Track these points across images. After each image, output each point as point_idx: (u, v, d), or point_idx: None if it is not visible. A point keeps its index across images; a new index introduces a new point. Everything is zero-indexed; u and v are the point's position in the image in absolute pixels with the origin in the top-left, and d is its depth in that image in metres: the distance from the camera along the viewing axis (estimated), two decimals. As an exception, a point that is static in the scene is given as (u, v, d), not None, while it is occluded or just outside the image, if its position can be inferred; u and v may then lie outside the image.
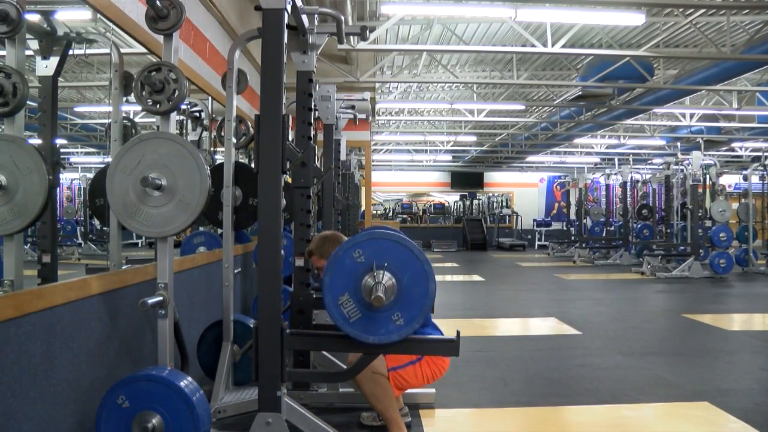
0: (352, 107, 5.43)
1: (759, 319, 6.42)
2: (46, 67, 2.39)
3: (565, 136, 15.44)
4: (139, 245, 4.04)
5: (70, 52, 2.49)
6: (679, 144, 15.54)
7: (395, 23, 7.18)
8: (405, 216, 21.84)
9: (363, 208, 10.64)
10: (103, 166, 2.95)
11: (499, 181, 23.23)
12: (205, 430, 2.11)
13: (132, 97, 2.44)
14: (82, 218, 3.89)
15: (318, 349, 3.29)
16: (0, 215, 2.11)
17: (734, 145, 16.24)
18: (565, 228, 17.58)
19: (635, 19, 6.62)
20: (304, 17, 2.77)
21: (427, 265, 2.23)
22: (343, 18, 3.03)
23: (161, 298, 2.26)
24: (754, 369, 4.18)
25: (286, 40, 2.24)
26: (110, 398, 2.06)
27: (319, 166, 5.30)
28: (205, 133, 4.48)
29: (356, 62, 8.66)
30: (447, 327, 2.81)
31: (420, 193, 23.41)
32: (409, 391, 3.14)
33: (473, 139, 17.03)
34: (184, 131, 4.25)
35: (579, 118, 12.58)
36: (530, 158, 20.84)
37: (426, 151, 19.98)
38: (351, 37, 6.91)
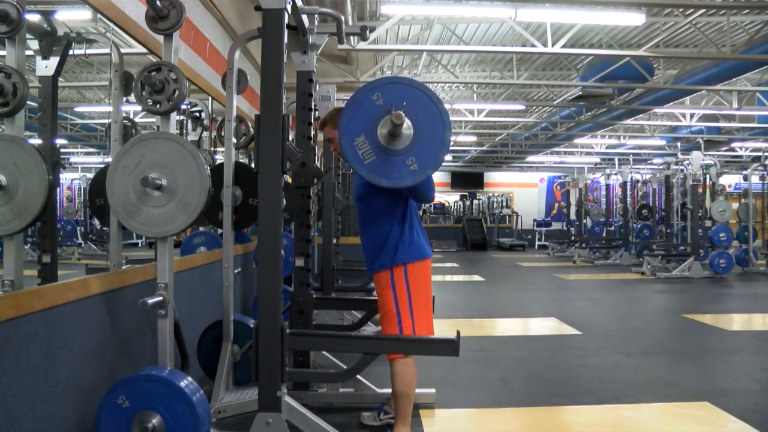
0: (352, 107, 5.42)
1: (759, 319, 6.42)
2: (46, 67, 2.39)
3: (565, 136, 15.43)
4: (139, 245, 4.04)
5: (70, 52, 2.49)
6: (679, 144, 15.54)
7: (395, 23, 7.18)
8: (405, 216, 21.77)
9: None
10: (103, 166, 2.95)
11: (499, 181, 23.23)
12: (205, 430, 2.11)
13: (132, 97, 2.44)
14: (82, 218, 3.89)
15: (318, 349, 3.29)
16: (0, 215, 2.11)
17: (734, 145, 16.23)
18: (565, 228, 17.58)
19: (635, 19, 6.62)
20: (304, 17, 2.77)
21: (445, 115, 2.23)
22: (343, 18, 3.03)
23: (161, 298, 2.26)
24: (754, 369, 4.18)
25: (286, 40, 2.24)
26: (110, 398, 2.06)
27: (319, 166, 5.30)
28: (205, 133, 4.48)
29: (356, 62, 8.66)
30: (447, 327, 2.81)
31: (420, 193, 23.37)
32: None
33: (473, 139, 17.02)
34: (184, 131, 4.25)
35: (579, 118, 12.58)
36: (530, 158, 20.83)
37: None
38: (351, 37, 6.91)
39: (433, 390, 3.35)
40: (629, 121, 12.67)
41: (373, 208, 2.72)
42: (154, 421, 2.04)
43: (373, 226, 2.73)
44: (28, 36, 2.28)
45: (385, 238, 2.68)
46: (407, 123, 2.18)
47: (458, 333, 2.31)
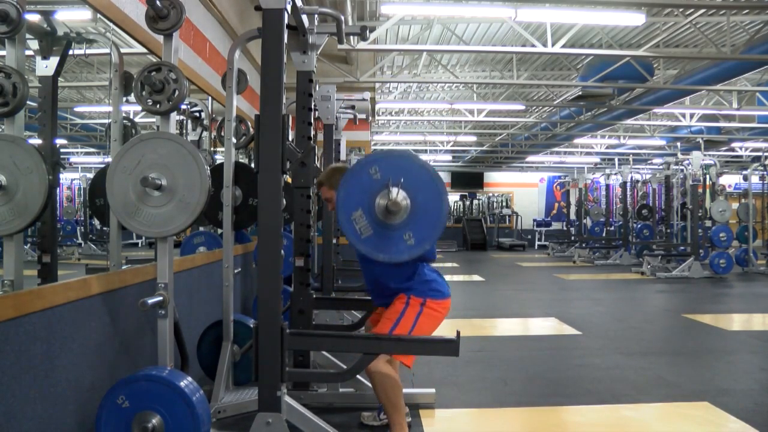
0: (352, 107, 5.44)
1: (759, 319, 6.42)
2: (46, 67, 2.39)
3: (565, 136, 15.43)
4: (139, 245, 4.04)
5: (70, 52, 2.49)
6: (679, 144, 15.53)
7: (395, 23, 7.18)
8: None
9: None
10: (103, 166, 2.95)
11: (499, 181, 23.21)
12: (205, 430, 2.11)
13: (132, 97, 2.44)
14: (82, 218, 3.89)
15: (318, 349, 3.29)
16: (0, 215, 2.11)
17: (734, 145, 16.23)
18: (565, 228, 17.58)
19: (635, 19, 6.62)
20: (304, 17, 2.77)
21: (442, 188, 2.26)
22: (343, 18, 3.03)
23: (161, 298, 2.26)
24: (754, 369, 4.18)
25: (286, 40, 2.24)
26: (110, 398, 2.06)
27: (319, 166, 5.30)
28: (205, 133, 4.48)
29: (356, 62, 8.66)
30: (447, 327, 2.81)
31: (420, 193, 23.37)
32: (409, 391, 3.14)
33: (473, 139, 17.02)
34: (184, 131, 4.25)
35: (579, 118, 12.58)
36: (530, 158, 20.82)
37: (426, 151, 19.96)
38: (351, 37, 6.91)
39: (433, 390, 3.35)
40: (629, 121, 12.66)
41: (379, 268, 2.66)
42: (154, 421, 2.04)
43: (381, 284, 2.71)
44: (28, 36, 2.28)
45: (396, 294, 2.65)
46: (403, 194, 2.19)
47: (458, 333, 2.31)
